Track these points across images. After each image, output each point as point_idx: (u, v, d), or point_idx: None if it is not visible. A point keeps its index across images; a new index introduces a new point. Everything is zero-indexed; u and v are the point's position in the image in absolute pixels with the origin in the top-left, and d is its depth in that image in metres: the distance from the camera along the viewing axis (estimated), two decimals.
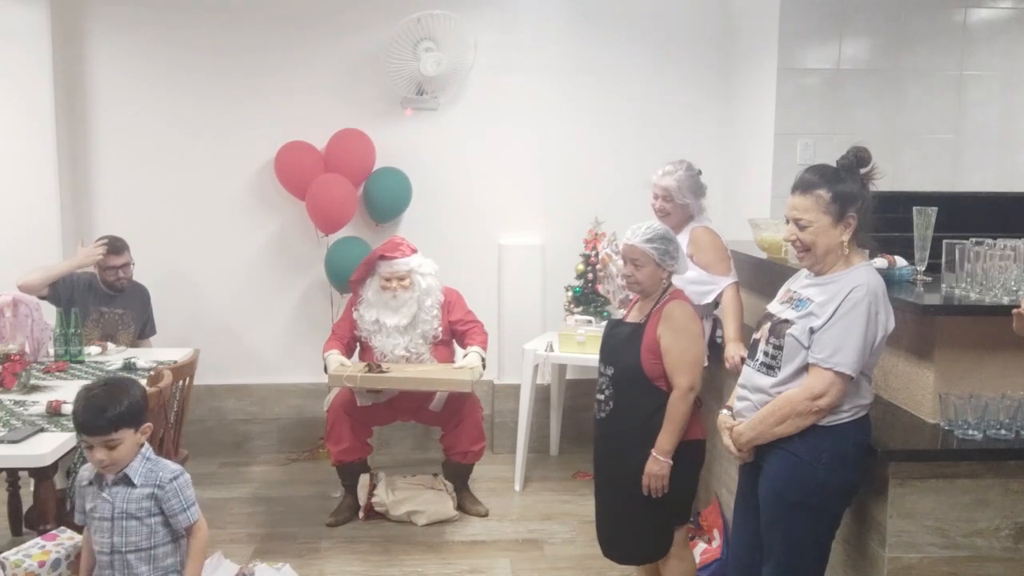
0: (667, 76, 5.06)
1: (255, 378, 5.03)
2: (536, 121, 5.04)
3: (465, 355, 4.09)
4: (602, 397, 3.01)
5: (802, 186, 2.43)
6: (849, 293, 2.34)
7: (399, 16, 4.71)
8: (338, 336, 4.14)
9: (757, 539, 2.56)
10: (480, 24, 4.86)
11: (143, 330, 4.47)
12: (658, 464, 2.84)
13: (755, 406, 2.48)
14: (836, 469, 2.41)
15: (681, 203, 3.56)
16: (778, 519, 2.47)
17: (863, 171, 2.44)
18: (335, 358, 3.98)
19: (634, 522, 2.98)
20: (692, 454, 2.93)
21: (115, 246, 4.27)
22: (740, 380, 2.59)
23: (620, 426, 2.95)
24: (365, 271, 4.12)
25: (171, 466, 2.41)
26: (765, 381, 2.46)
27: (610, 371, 2.99)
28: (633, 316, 3.05)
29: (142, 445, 2.35)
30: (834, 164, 2.46)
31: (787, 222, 2.48)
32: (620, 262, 3.61)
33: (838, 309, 2.35)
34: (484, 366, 4.07)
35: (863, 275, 2.38)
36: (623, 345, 2.96)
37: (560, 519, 4.18)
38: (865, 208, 2.41)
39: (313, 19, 4.90)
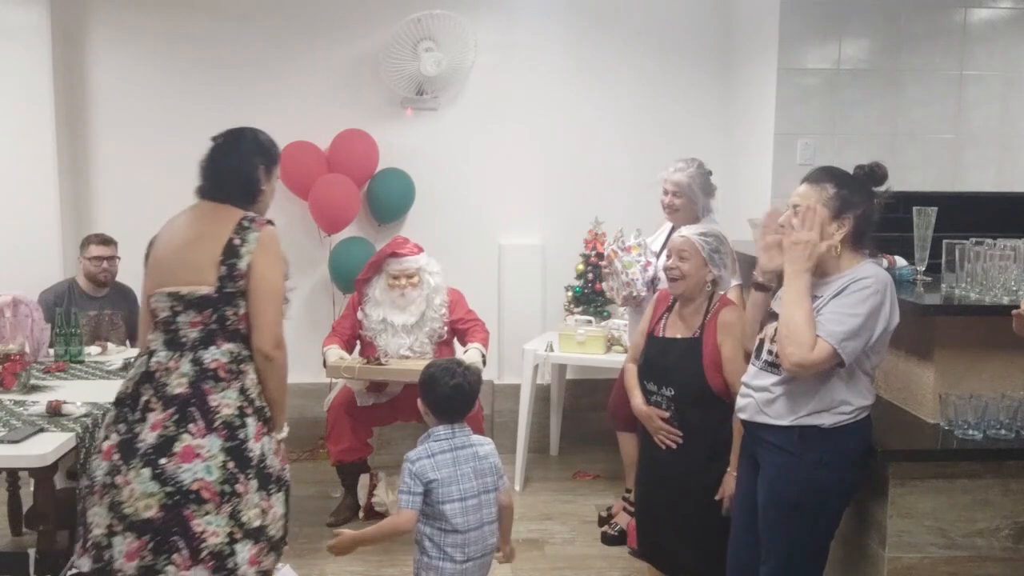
0: (667, 76, 5.06)
1: None
2: (536, 121, 5.04)
3: (465, 351, 4.08)
4: (670, 417, 2.90)
5: (812, 177, 2.46)
6: (856, 281, 2.35)
7: (399, 16, 4.71)
8: (338, 333, 4.13)
9: (756, 539, 2.56)
10: (480, 24, 4.86)
11: (135, 331, 4.47)
12: (735, 481, 2.75)
13: (757, 404, 2.48)
14: (837, 469, 2.41)
15: (691, 200, 3.59)
16: (777, 519, 2.47)
17: (876, 188, 2.46)
18: (335, 352, 3.98)
19: (697, 537, 2.89)
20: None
21: (102, 237, 4.33)
22: (744, 378, 2.58)
23: (690, 445, 2.86)
24: (372, 270, 4.11)
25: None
26: (768, 380, 2.46)
27: (670, 392, 2.87)
28: (676, 330, 2.94)
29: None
30: (851, 171, 2.49)
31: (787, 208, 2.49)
32: (626, 259, 3.61)
33: (842, 292, 2.35)
34: (484, 363, 4.07)
35: (871, 269, 2.40)
36: (682, 363, 2.86)
37: (560, 519, 4.18)
38: (864, 217, 2.41)
39: (314, 18, 4.90)
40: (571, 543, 3.93)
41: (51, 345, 3.81)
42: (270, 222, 2.52)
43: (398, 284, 4.02)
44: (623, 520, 3.89)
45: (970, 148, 4.55)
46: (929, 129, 4.51)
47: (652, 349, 3.00)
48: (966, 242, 2.91)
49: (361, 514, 4.12)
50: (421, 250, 4.13)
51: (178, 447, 2.31)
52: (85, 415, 2.97)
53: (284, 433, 2.52)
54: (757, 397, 2.49)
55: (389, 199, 4.93)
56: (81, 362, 3.77)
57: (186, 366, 2.37)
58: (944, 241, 3.02)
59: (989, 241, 2.87)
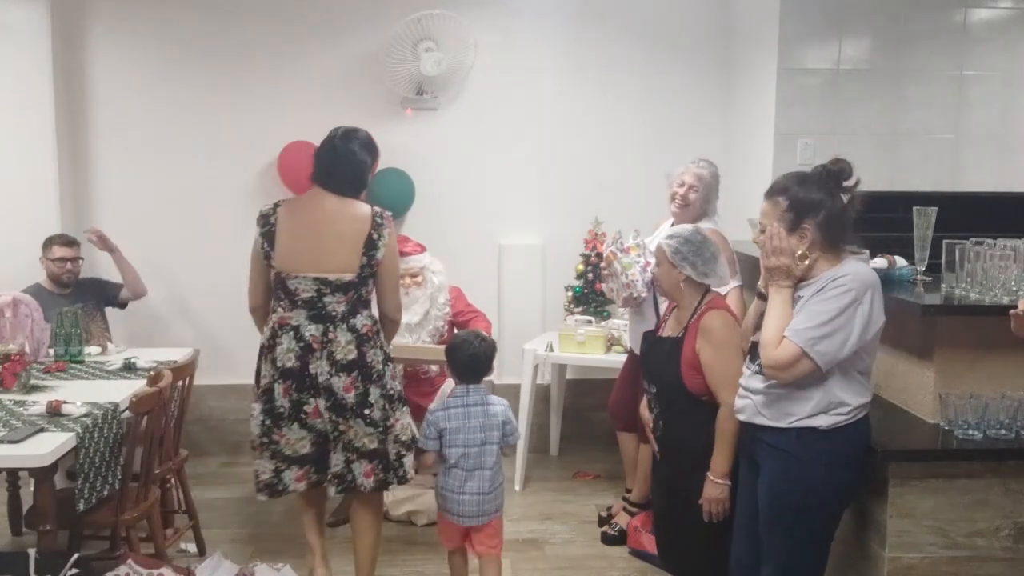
0: (667, 76, 5.06)
1: None
2: (536, 121, 5.04)
3: None
4: (654, 415, 2.98)
5: (769, 192, 2.47)
6: (834, 280, 2.35)
7: (399, 16, 4.71)
8: None
9: (758, 540, 2.56)
10: (480, 24, 4.86)
11: (116, 300, 4.49)
12: (717, 487, 2.75)
13: (755, 406, 2.49)
14: (836, 470, 2.41)
15: (705, 198, 3.65)
16: (777, 521, 2.48)
17: (847, 183, 2.41)
18: None
19: (696, 541, 2.90)
20: (733, 469, 2.78)
21: (65, 238, 4.31)
22: (741, 380, 2.59)
23: (672, 445, 2.90)
24: None
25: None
26: (763, 383, 2.46)
27: (654, 389, 2.94)
28: (670, 329, 2.97)
29: None
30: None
31: None
32: (625, 260, 3.61)
33: (819, 292, 2.36)
34: None
35: (851, 267, 2.38)
36: (664, 362, 2.89)
37: (560, 519, 4.18)
38: (829, 219, 2.38)
39: (314, 18, 4.90)
40: (571, 543, 3.93)
41: (51, 345, 3.81)
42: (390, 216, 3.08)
43: (402, 283, 4.01)
44: (623, 520, 3.90)
45: (970, 148, 4.54)
46: (929, 129, 4.51)
47: (645, 346, 3.06)
48: (966, 242, 2.91)
49: None
50: (424, 249, 4.13)
51: (369, 399, 3.00)
52: (85, 415, 2.98)
53: None
54: (754, 399, 2.50)
55: (389, 199, 4.91)
56: (81, 362, 3.77)
57: (346, 335, 2.97)
58: (944, 241, 3.02)
59: (989, 241, 2.87)
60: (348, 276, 2.94)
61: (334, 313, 2.97)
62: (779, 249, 2.39)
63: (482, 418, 3.07)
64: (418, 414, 4.20)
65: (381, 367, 3.05)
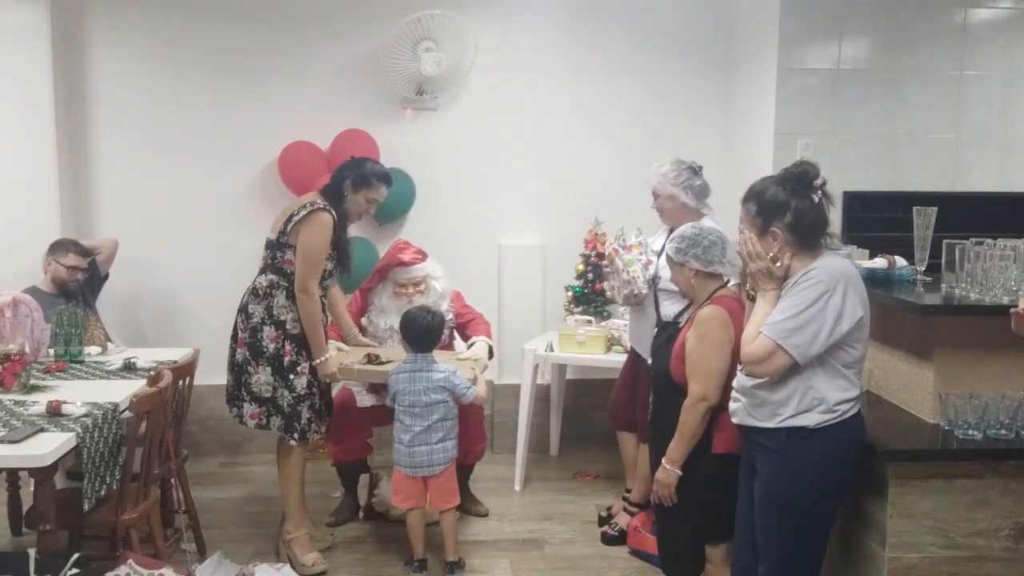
0: (667, 76, 5.06)
1: None
2: (536, 121, 5.04)
3: (471, 344, 4.05)
4: (651, 397, 3.08)
5: (743, 198, 2.53)
6: (804, 274, 2.38)
7: (399, 16, 4.71)
8: (336, 329, 4.08)
9: (756, 539, 2.56)
10: (480, 24, 4.86)
11: (100, 275, 4.50)
12: (664, 472, 2.80)
13: (745, 407, 2.51)
14: (829, 469, 2.42)
15: (669, 198, 3.59)
16: (772, 520, 2.48)
17: (817, 183, 2.43)
18: (332, 345, 3.83)
19: (666, 532, 2.96)
20: (719, 469, 2.78)
21: (81, 248, 4.32)
22: (733, 383, 2.60)
23: (657, 428, 2.98)
24: (378, 278, 4.09)
25: None
26: (750, 382, 2.48)
27: (653, 370, 3.07)
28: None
29: None
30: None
31: None
32: (627, 257, 3.61)
33: (791, 288, 2.40)
34: (492, 354, 4.03)
35: (822, 261, 2.41)
36: (663, 344, 3.00)
37: (560, 519, 4.18)
38: (797, 220, 2.40)
39: (315, 19, 4.90)
40: (571, 543, 3.93)
41: (51, 345, 3.81)
42: (328, 211, 3.49)
43: (405, 292, 3.98)
44: (623, 520, 3.90)
45: (970, 148, 4.54)
46: (929, 129, 4.51)
47: (658, 329, 3.16)
48: (966, 242, 2.91)
49: (361, 514, 4.13)
50: (426, 255, 4.10)
51: (237, 333, 3.58)
52: (85, 415, 2.97)
53: (317, 361, 3.53)
54: (744, 400, 2.52)
55: (389, 199, 4.83)
56: (81, 362, 3.77)
57: (251, 286, 3.58)
58: (944, 241, 3.02)
59: (989, 241, 2.87)
60: (271, 236, 3.55)
61: (259, 267, 3.59)
62: (754, 254, 2.45)
63: (425, 382, 3.51)
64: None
65: (259, 325, 3.50)
